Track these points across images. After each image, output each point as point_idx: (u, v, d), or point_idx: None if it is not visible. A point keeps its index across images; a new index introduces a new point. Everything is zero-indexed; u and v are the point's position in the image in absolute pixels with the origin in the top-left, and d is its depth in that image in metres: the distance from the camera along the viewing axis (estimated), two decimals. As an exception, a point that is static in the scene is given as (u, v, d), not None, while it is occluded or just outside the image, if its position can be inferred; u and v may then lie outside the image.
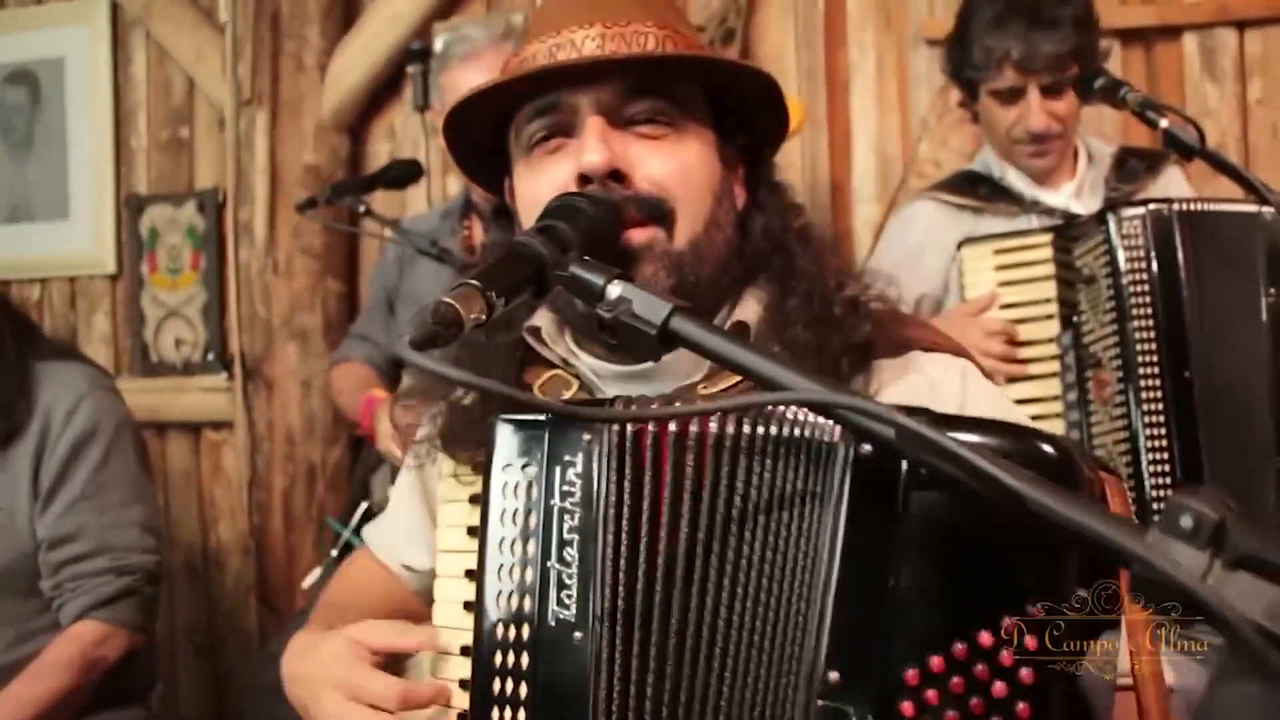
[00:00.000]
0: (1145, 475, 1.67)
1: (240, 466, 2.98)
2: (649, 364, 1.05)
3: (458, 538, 1.02)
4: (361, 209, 2.09)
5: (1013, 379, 1.88)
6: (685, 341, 0.80)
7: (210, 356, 2.98)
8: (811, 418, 0.81)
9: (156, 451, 3.06)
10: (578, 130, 1.03)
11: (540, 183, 1.04)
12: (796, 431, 0.82)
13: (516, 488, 0.91)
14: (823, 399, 0.71)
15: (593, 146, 1.00)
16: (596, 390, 1.09)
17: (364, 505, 2.25)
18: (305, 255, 2.82)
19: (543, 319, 1.12)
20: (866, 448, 0.78)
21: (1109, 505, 0.78)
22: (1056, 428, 1.83)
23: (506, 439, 0.92)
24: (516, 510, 0.91)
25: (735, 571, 0.83)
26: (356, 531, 2.22)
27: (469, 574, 0.97)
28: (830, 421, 0.79)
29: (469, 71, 2.20)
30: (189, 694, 3.14)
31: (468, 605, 0.97)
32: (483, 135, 1.12)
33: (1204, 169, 1.81)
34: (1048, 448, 0.76)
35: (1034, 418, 1.82)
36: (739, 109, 1.11)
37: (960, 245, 1.98)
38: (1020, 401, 1.86)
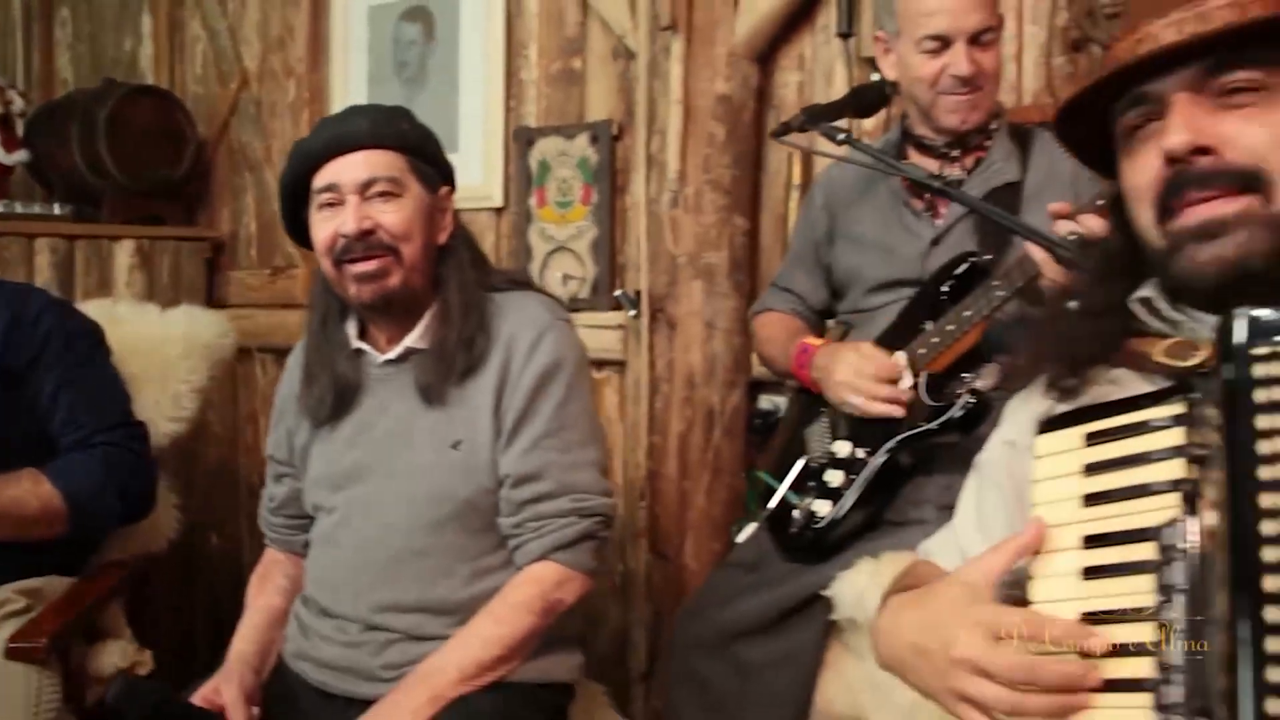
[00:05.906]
0: None
1: (626, 407, 2.92)
2: None
3: (1066, 511, 1.05)
4: (839, 137, 1.89)
5: None
6: None
7: (618, 292, 2.90)
8: None
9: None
10: (1166, 113, 1.07)
11: (1135, 169, 1.11)
12: None
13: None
14: None
15: (1174, 126, 1.05)
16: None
17: (801, 462, 2.09)
18: (714, 190, 2.67)
19: (1150, 289, 1.14)
20: None
21: None
22: None
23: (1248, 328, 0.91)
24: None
25: None
26: (794, 488, 2.06)
27: (1088, 540, 1.02)
28: None
29: None
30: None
31: (1089, 571, 1.00)
32: (1087, 133, 1.18)
33: None
34: None
35: None
36: None
37: None
38: None
